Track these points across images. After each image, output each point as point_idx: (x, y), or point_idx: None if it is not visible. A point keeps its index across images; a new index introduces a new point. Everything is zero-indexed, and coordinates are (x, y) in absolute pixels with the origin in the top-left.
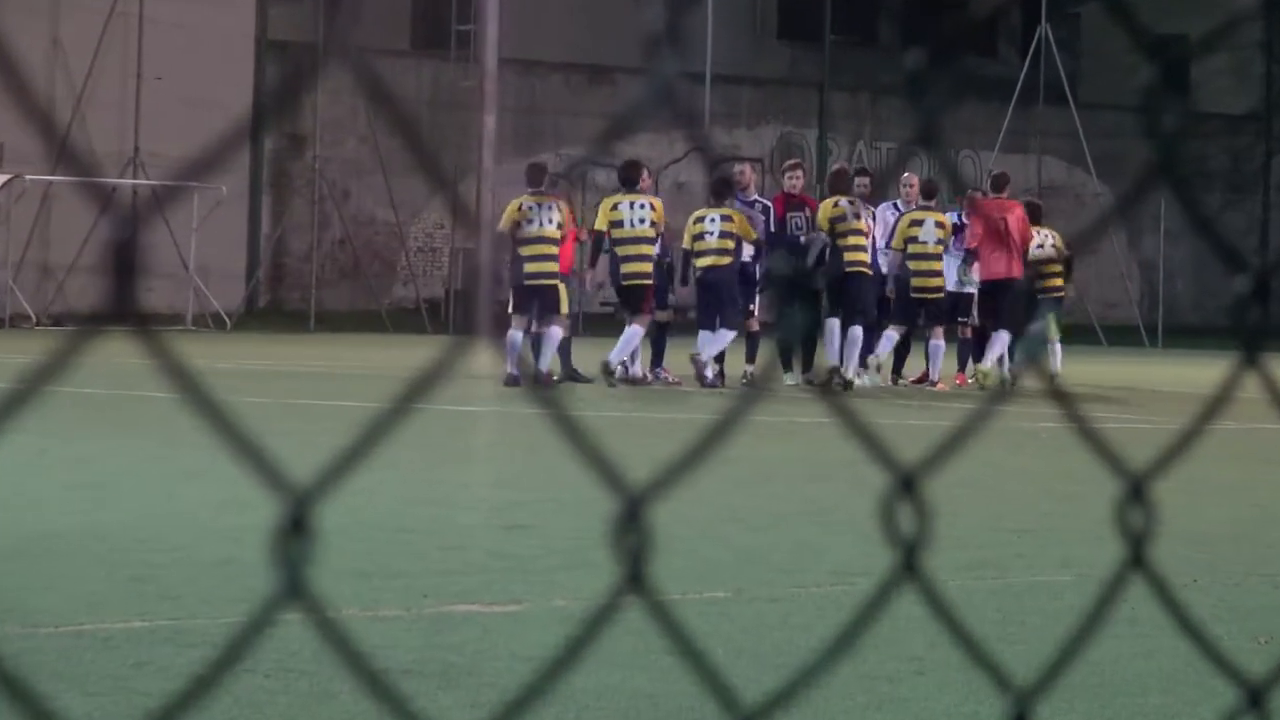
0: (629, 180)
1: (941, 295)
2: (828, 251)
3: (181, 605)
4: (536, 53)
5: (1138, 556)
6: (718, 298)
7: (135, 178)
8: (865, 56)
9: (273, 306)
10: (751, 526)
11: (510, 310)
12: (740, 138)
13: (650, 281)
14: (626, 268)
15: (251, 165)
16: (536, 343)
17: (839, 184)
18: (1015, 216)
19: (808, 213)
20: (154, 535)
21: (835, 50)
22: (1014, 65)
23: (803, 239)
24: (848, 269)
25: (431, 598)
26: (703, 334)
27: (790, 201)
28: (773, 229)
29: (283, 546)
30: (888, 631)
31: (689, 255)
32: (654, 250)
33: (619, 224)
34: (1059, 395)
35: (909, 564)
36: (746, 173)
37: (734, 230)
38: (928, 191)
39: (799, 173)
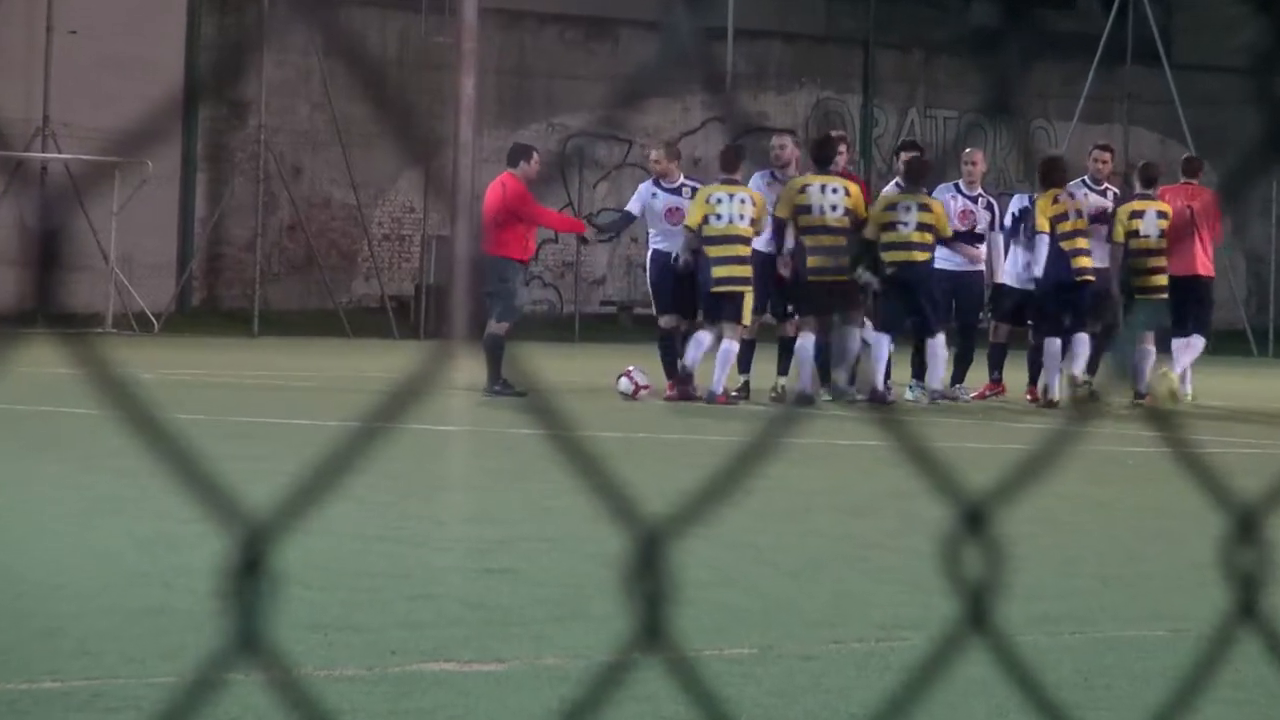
0: (823, 159)
1: (1166, 297)
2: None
3: (101, 663)
4: (524, 2)
5: (1247, 606)
6: (914, 300)
7: (45, 150)
8: (917, 8)
9: (209, 305)
10: (782, 570)
11: (699, 318)
12: (769, 104)
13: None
14: (818, 261)
15: (184, 137)
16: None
17: (1054, 174)
18: (1202, 203)
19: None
20: (67, 579)
21: (882, 0)
22: (1096, 19)
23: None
24: (1077, 277)
25: (398, 654)
26: (883, 341)
27: None
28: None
29: (236, 591)
30: (944, 695)
31: (870, 246)
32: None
33: (806, 210)
34: (1151, 414)
35: (976, 616)
36: (788, 148)
37: (933, 221)
38: (1148, 178)
39: (841, 148)
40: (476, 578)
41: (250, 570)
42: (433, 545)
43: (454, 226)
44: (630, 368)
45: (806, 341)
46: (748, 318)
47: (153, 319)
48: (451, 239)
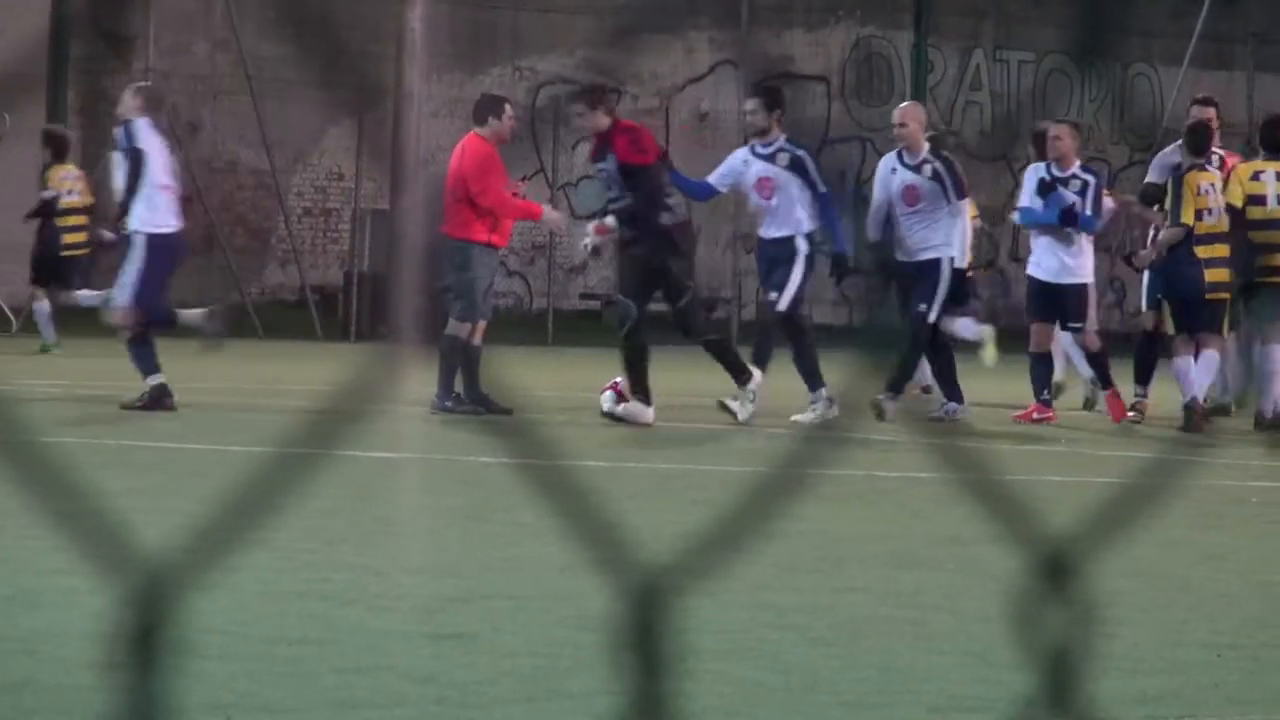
0: (1274, 143)
1: None
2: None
3: None
4: None
5: None
6: None
7: None
8: None
9: None
10: (813, 636)
11: (1169, 329)
12: (795, 44)
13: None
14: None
15: (49, 82)
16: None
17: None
18: None
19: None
20: None
21: None
22: None
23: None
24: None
25: None
26: None
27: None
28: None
29: (123, 662)
30: None
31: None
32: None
33: (1259, 201)
34: None
35: (1056, 694)
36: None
37: None
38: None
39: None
40: (425, 644)
41: (141, 636)
42: (370, 603)
43: (395, 198)
44: (618, 379)
45: (1212, 355)
46: (1225, 328)
47: (10, 316)
48: (392, 214)
